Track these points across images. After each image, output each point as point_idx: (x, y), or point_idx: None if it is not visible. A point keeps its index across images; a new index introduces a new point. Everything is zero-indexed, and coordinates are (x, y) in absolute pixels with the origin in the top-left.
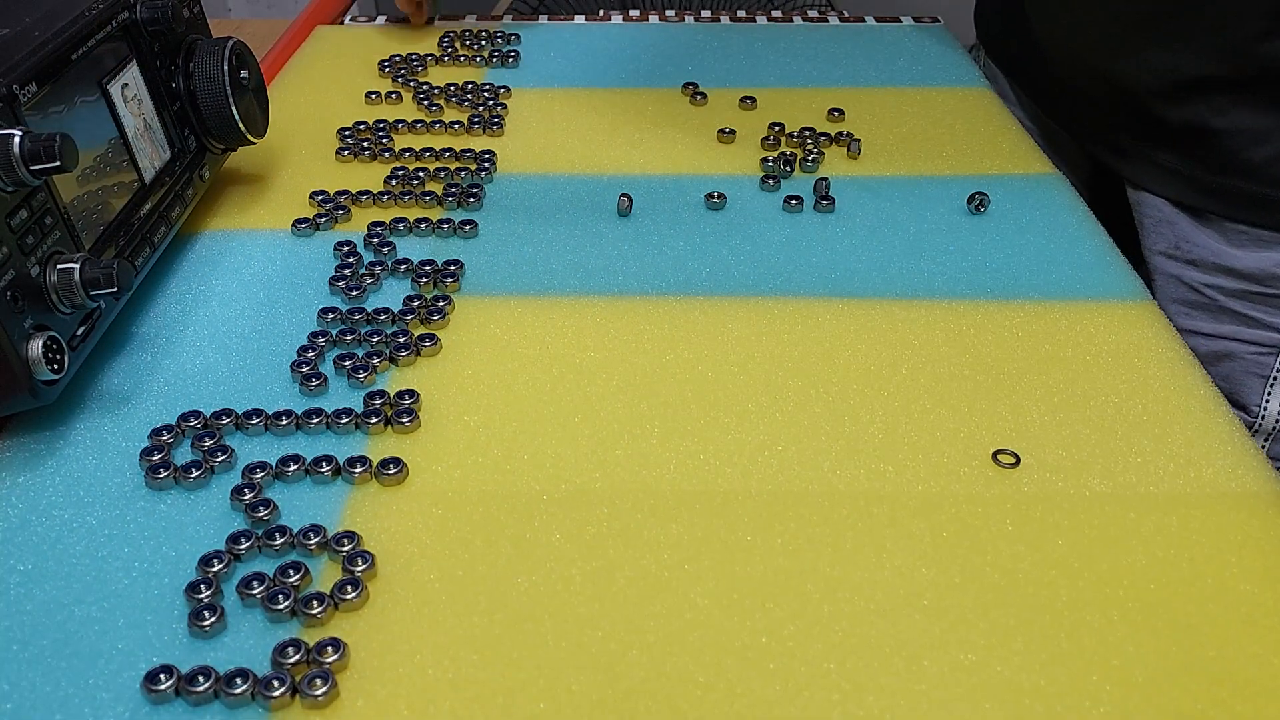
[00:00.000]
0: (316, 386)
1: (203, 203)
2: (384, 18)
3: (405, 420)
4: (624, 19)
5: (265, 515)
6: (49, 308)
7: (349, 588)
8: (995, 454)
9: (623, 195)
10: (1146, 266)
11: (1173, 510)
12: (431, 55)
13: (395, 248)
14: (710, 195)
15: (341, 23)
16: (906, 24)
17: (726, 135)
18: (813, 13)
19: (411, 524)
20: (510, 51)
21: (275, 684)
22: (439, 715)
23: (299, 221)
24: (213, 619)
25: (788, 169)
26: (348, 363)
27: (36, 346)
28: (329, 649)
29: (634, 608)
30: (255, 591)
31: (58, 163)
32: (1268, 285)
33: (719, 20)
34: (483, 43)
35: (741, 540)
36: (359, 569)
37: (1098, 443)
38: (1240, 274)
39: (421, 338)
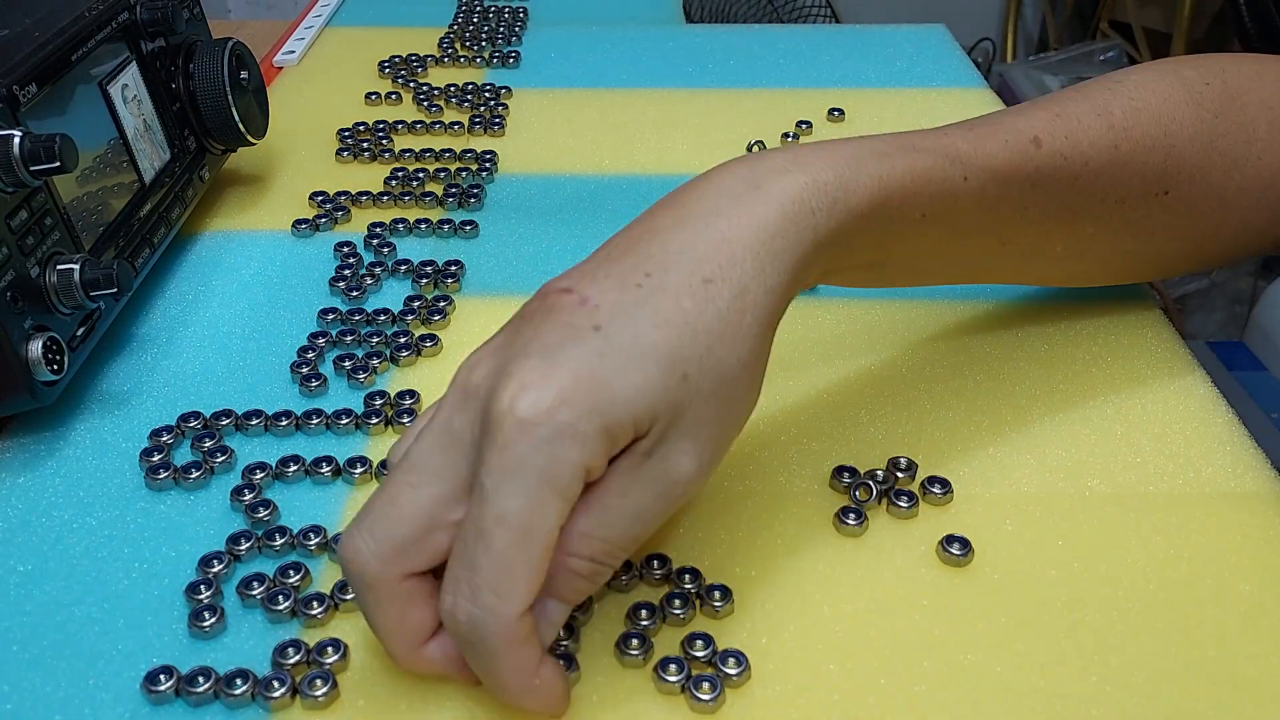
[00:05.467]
0: (316, 387)
1: (203, 203)
2: None
3: (406, 421)
4: None
5: (265, 516)
6: (49, 308)
7: (349, 588)
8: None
9: None
10: None
11: (1173, 510)
12: (431, 56)
13: (395, 248)
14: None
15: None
16: (907, 25)
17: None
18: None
19: None
20: (510, 52)
21: (275, 684)
22: (439, 715)
23: (299, 222)
24: (213, 619)
25: None
26: (348, 363)
27: (36, 347)
28: (329, 649)
29: None
30: (255, 592)
31: (58, 163)
32: None
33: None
34: (483, 43)
35: (742, 540)
36: None
37: (1098, 443)
38: None
39: (422, 338)
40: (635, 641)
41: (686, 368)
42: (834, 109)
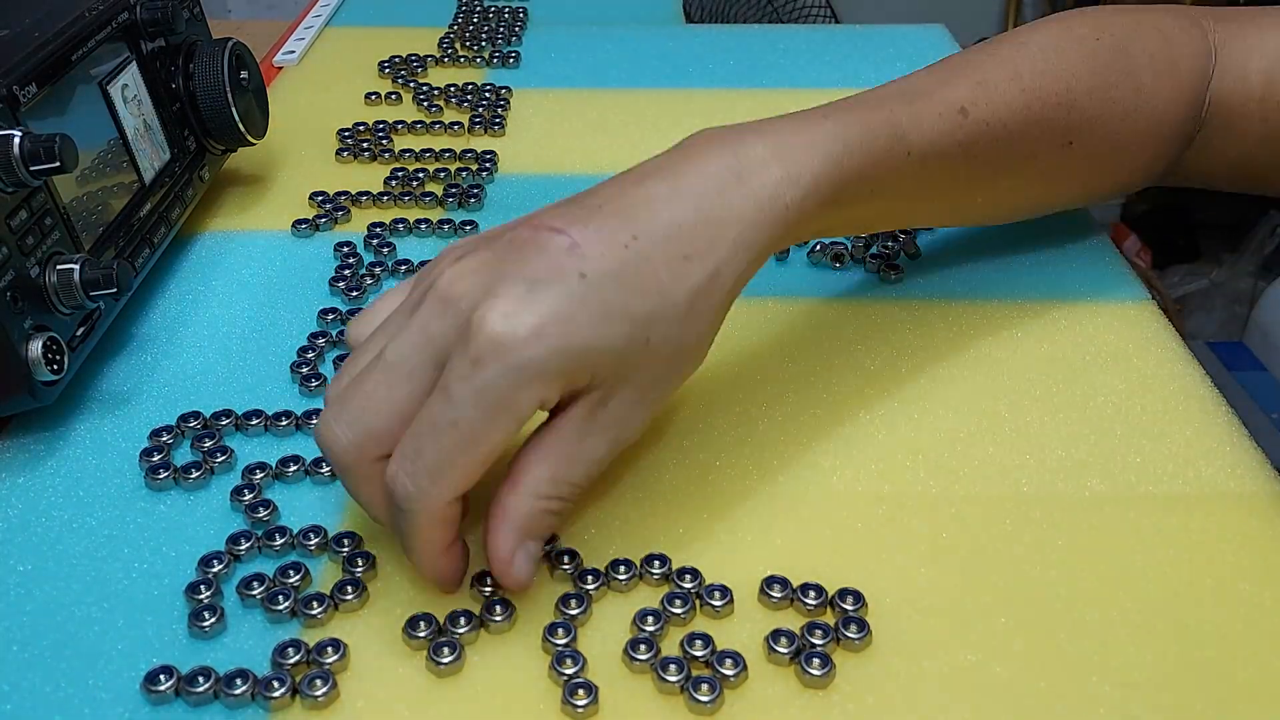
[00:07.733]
0: (316, 387)
1: (202, 203)
2: None
3: None
4: None
5: (265, 516)
6: (49, 308)
7: (349, 588)
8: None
9: None
10: None
11: (1173, 510)
12: (431, 56)
13: (395, 248)
14: None
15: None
16: (906, 25)
17: None
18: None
19: None
20: (510, 52)
21: (275, 684)
22: (439, 715)
23: (299, 222)
24: (213, 619)
25: None
26: None
27: (36, 347)
28: (329, 649)
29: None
30: (255, 592)
31: (58, 163)
32: None
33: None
34: (483, 43)
35: (742, 541)
36: (359, 569)
37: (1098, 443)
38: None
39: None
40: (644, 647)
41: (651, 333)
42: None
